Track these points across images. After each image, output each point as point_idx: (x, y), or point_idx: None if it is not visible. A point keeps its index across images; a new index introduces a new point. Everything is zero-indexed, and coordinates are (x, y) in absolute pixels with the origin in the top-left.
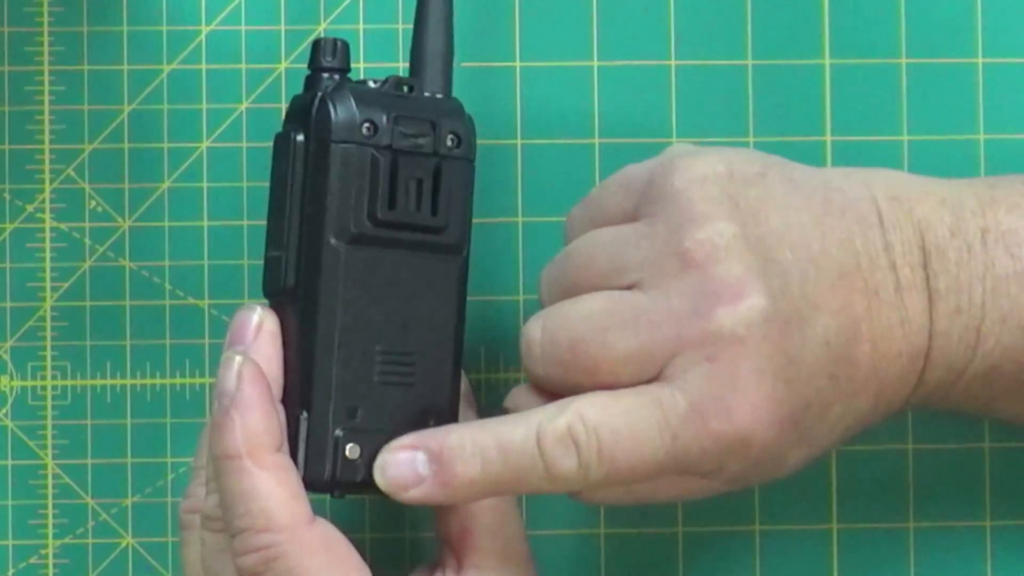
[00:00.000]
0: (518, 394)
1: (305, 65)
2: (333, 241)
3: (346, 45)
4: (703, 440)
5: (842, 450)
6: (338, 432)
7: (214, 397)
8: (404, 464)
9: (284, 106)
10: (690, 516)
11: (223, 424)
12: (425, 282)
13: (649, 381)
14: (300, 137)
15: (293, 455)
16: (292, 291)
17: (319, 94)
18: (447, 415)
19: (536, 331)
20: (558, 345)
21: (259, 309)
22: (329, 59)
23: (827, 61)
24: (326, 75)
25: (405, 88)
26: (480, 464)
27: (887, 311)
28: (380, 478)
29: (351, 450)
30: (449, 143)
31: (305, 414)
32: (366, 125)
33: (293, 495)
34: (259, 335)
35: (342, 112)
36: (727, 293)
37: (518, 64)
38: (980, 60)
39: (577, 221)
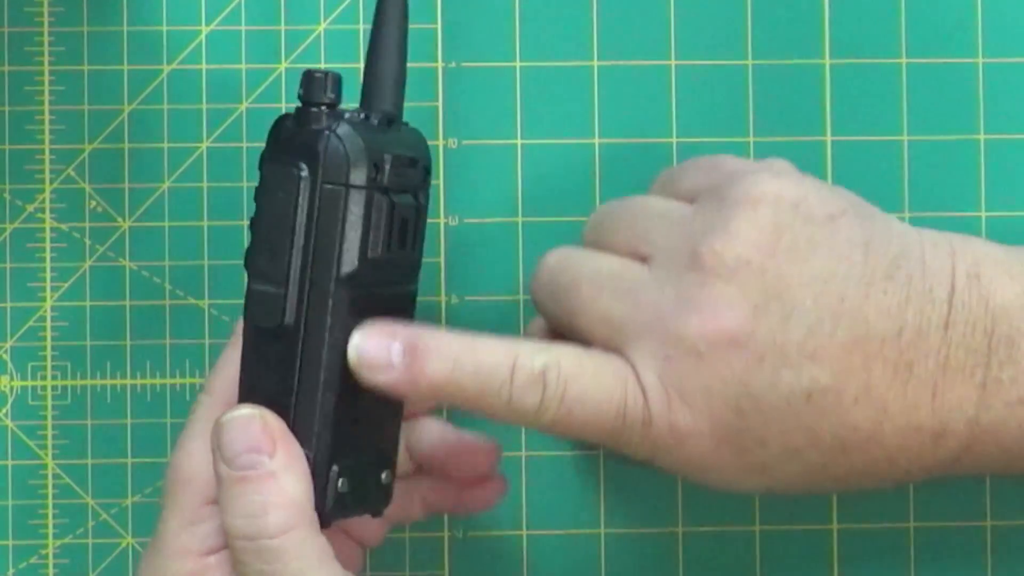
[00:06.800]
0: (534, 323)
1: (302, 66)
2: (338, 281)
3: (338, 78)
4: (643, 430)
5: None
6: (334, 468)
7: (219, 461)
8: (380, 349)
9: (284, 106)
10: (690, 516)
11: (257, 490)
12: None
13: (615, 350)
14: (304, 173)
15: None
16: (292, 329)
17: (327, 133)
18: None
19: (552, 259)
20: (558, 280)
21: (255, 412)
22: (331, 95)
23: (827, 61)
24: (320, 108)
25: (389, 123)
26: (451, 370)
27: (916, 385)
28: (354, 355)
29: (343, 484)
30: (423, 178)
31: (307, 452)
32: (373, 168)
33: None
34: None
35: (354, 156)
36: (707, 308)
37: (518, 64)
38: (980, 60)
39: (658, 179)
